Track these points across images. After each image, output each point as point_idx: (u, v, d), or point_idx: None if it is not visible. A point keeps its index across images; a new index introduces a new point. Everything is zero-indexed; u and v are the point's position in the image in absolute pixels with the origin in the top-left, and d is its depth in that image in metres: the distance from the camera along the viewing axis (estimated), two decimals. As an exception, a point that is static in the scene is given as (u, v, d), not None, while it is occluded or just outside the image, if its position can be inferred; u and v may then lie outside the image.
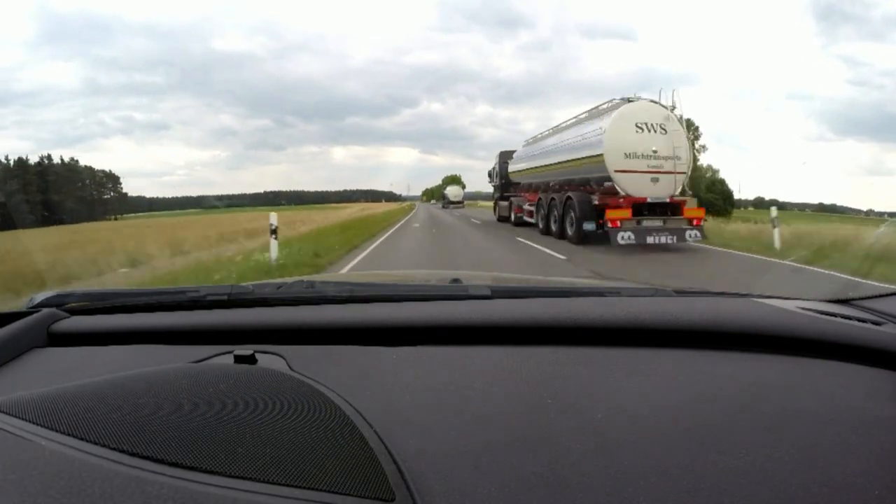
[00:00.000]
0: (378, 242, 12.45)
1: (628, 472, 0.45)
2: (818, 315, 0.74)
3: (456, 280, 1.08)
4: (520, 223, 14.53)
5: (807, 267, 6.81)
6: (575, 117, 11.34)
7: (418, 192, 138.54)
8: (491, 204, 22.12)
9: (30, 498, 0.37)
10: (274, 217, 8.16)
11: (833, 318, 0.73)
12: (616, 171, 8.94)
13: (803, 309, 0.76)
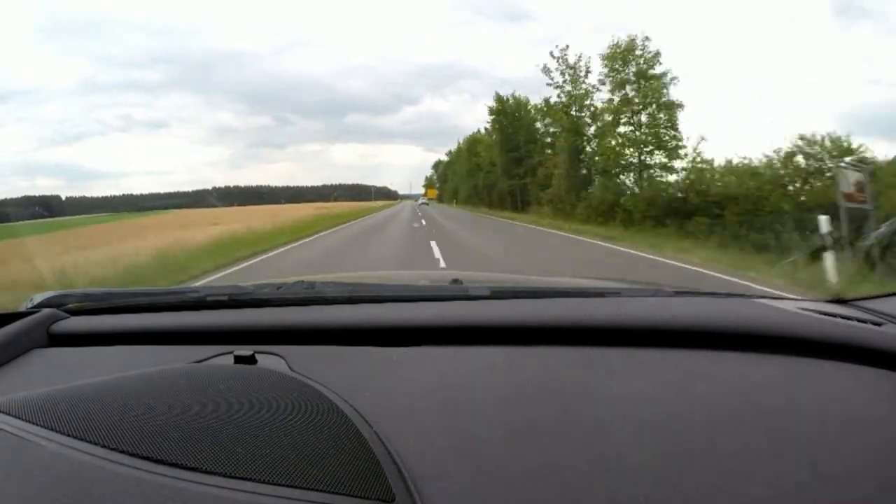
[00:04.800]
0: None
1: (628, 472, 0.45)
2: (818, 315, 0.74)
3: (456, 280, 1.08)
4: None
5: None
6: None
7: (420, 190, 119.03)
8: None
9: (30, 499, 0.37)
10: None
11: (833, 319, 0.72)
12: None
13: (803, 309, 0.76)
